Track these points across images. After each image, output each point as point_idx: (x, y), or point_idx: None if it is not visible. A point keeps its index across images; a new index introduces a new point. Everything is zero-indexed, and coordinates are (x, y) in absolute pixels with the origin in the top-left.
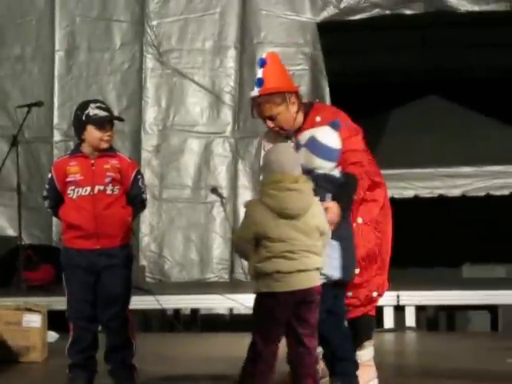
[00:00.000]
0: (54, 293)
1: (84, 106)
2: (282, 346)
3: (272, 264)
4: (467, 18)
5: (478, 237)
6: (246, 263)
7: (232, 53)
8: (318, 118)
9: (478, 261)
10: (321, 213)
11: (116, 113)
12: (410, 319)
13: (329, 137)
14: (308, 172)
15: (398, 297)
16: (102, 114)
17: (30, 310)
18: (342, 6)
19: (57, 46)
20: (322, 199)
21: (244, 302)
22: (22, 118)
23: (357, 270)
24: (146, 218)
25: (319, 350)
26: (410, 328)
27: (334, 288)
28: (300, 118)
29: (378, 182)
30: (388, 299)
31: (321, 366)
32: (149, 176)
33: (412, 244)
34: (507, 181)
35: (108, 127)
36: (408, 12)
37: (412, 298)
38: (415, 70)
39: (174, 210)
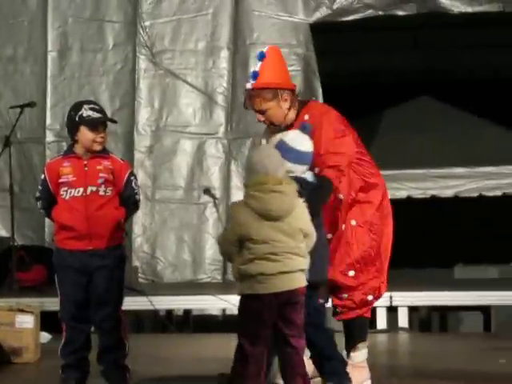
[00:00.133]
0: (47, 293)
1: (78, 106)
2: None
3: (255, 266)
4: (459, 19)
5: (470, 237)
6: None
7: (225, 54)
8: (306, 117)
9: (471, 261)
10: (305, 214)
11: (109, 114)
12: (403, 320)
13: (298, 140)
14: None
15: (390, 298)
16: (96, 115)
17: (22, 310)
18: (335, 6)
19: (49, 47)
20: None
21: (237, 303)
22: (14, 118)
23: (352, 273)
24: (139, 218)
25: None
26: (402, 329)
27: (307, 289)
28: (292, 114)
29: (374, 184)
30: (381, 300)
31: (310, 366)
32: (142, 177)
33: (405, 245)
34: (500, 182)
35: (101, 129)
36: (401, 13)
37: (405, 299)
38: (408, 71)
39: (166, 210)
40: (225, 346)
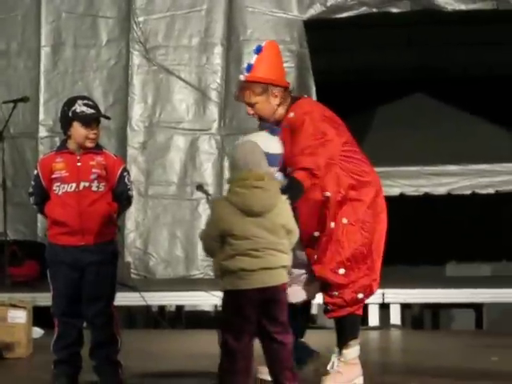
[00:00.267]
0: (39, 289)
1: (71, 101)
2: None
3: (236, 262)
4: (453, 17)
5: (463, 235)
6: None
7: (218, 50)
8: (291, 114)
9: (464, 259)
10: (287, 211)
11: (102, 109)
12: (395, 317)
13: (265, 142)
14: None
15: (383, 295)
16: (89, 111)
17: (14, 305)
18: (329, 3)
19: (43, 42)
20: None
21: None
22: (7, 113)
23: (342, 271)
24: (132, 214)
25: None
26: (394, 326)
27: None
28: (282, 111)
29: (366, 182)
30: (373, 297)
31: None
32: (135, 173)
33: (397, 242)
34: (493, 179)
35: (94, 125)
36: (395, 10)
37: (397, 296)
38: (402, 68)
39: (159, 206)
40: (217, 342)
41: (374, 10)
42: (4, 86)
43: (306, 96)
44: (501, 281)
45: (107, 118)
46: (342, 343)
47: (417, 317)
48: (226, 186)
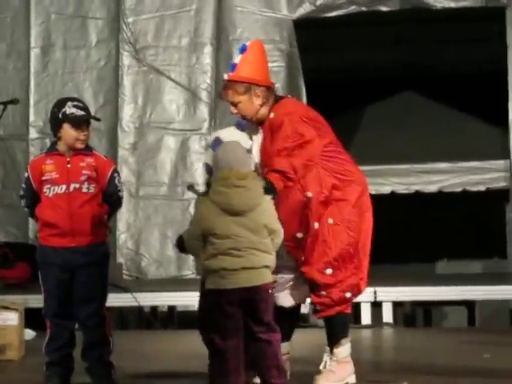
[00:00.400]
0: (31, 290)
1: (61, 103)
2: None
3: (218, 261)
4: (442, 14)
5: (454, 232)
6: None
7: (208, 50)
8: (271, 115)
9: (455, 256)
10: (270, 211)
11: (92, 110)
12: (388, 315)
13: (231, 136)
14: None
15: (375, 293)
16: (79, 113)
17: (6, 308)
18: (318, 3)
19: (32, 43)
20: None
21: None
22: None
23: (329, 271)
24: (123, 215)
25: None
26: (387, 324)
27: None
28: (265, 110)
29: (350, 181)
30: (365, 295)
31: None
32: (126, 173)
33: (389, 240)
34: (483, 176)
35: (84, 127)
36: (384, 9)
37: (389, 294)
38: (391, 66)
39: (150, 207)
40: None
41: (363, 8)
42: None
43: (290, 96)
44: (492, 278)
45: (97, 119)
46: (333, 342)
47: (409, 315)
48: None
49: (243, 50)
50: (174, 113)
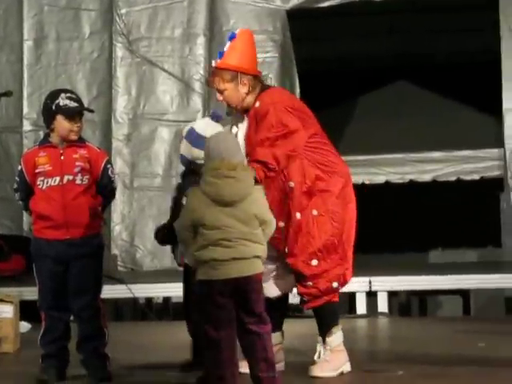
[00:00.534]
0: (26, 283)
1: (54, 95)
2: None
3: (208, 252)
4: (435, 4)
5: (449, 221)
6: None
7: (201, 40)
8: (257, 104)
9: (450, 245)
10: (261, 201)
11: (86, 102)
12: (383, 305)
13: (208, 128)
14: (189, 163)
15: (370, 282)
16: (73, 104)
17: (1, 300)
18: None
19: (25, 36)
20: None
21: None
22: None
23: (314, 262)
24: (118, 207)
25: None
26: (382, 313)
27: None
28: (250, 99)
29: (333, 172)
30: (360, 285)
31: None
32: (120, 165)
33: (384, 230)
34: (477, 165)
35: (77, 118)
36: None
37: (384, 284)
38: (384, 56)
39: (144, 198)
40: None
41: None
42: None
43: (275, 85)
44: (487, 266)
45: (91, 111)
46: (325, 332)
47: (404, 304)
48: None
49: (232, 37)
50: (168, 104)
